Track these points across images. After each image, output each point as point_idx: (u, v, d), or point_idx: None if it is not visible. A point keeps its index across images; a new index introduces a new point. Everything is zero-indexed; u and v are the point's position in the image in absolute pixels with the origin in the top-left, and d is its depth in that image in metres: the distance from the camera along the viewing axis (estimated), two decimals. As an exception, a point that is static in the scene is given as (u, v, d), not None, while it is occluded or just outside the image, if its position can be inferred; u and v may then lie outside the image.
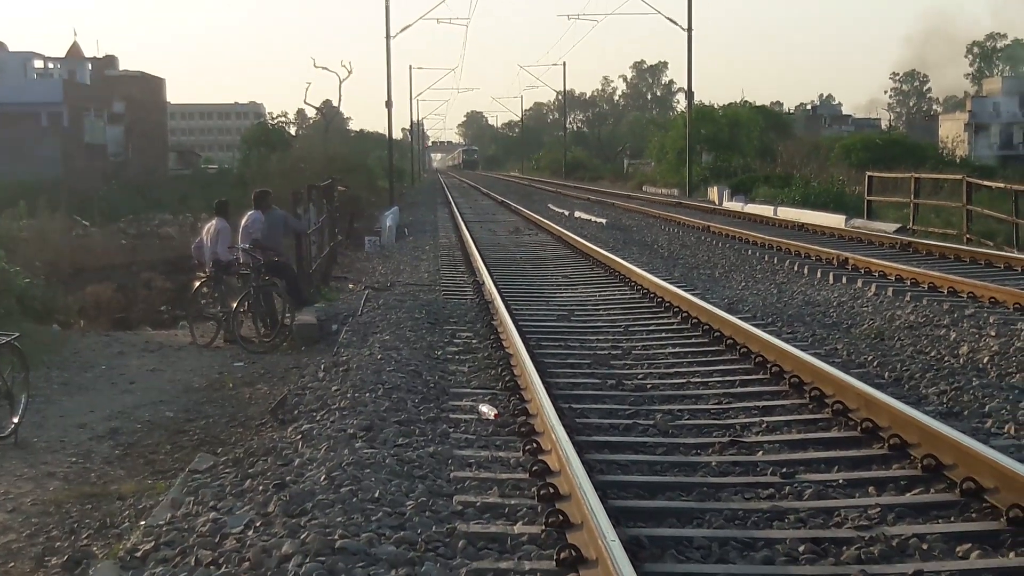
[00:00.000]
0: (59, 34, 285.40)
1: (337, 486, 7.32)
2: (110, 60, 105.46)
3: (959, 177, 30.15)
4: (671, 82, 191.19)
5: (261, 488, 7.57)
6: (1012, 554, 6.16)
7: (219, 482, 8.03)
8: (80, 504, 9.02)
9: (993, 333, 12.49)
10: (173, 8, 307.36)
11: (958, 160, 65.85)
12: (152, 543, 6.68)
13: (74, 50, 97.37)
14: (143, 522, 7.61)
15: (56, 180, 59.24)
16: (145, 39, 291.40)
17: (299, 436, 9.00)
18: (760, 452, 8.25)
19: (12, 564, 7.60)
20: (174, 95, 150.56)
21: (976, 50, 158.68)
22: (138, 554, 6.57)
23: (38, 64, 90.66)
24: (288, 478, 7.69)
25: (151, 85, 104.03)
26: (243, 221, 18.20)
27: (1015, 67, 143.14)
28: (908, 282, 17.12)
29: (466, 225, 33.41)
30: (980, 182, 30.00)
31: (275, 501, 7.13)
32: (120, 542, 7.45)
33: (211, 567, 6.19)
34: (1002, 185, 29.30)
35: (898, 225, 29.27)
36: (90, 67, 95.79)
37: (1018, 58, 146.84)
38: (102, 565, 6.67)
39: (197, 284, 18.38)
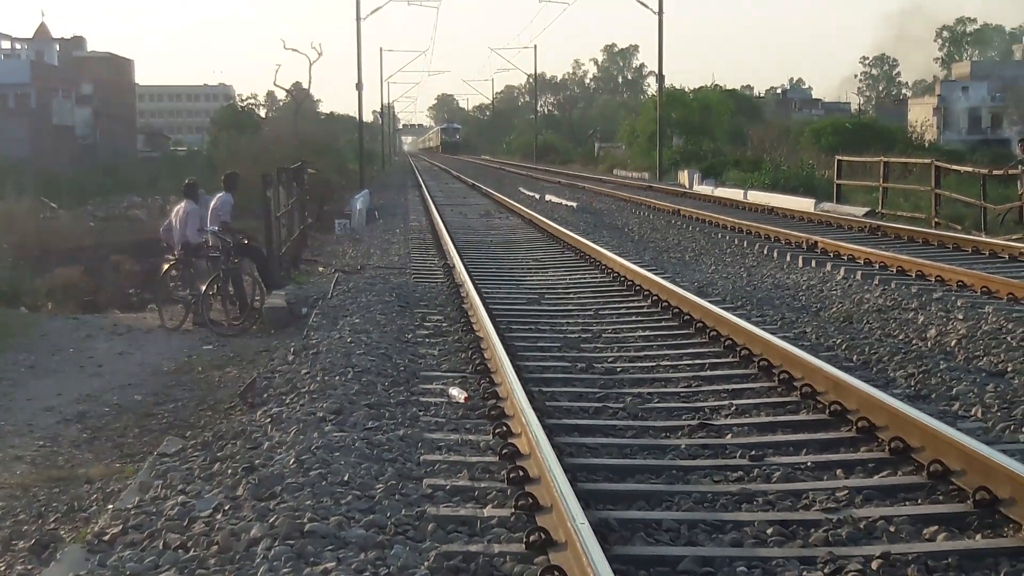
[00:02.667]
0: (27, 15, 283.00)
1: (306, 469, 7.31)
2: (78, 41, 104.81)
3: (928, 161, 30.28)
4: (642, 66, 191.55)
5: (230, 471, 7.55)
6: (978, 536, 6.20)
7: (188, 465, 8.00)
8: (48, 488, 8.98)
9: (960, 316, 12.56)
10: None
11: (927, 144, 66.06)
12: (120, 527, 6.65)
13: (42, 31, 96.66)
14: (111, 506, 7.58)
15: (23, 161, 58.87)
16: (114, 20, 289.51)
17: (268, 419, 8.97)
18: (729, 435, 8.28)
19: (-21, 548, 7.55)
20: (143, 76, 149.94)
21: (945, 34, 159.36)
22: (106, 538, 6.54)
23: (5, 45, 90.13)
24: (257, 461, 7.67)
25: (120, 66, 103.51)
26: (212, 203, 18.11)
27: (984, 51, 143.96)
28: (877, 266, 17.20)
29: (437, 208, 33.35)
30: (948, 166, 30.14)
31: (244, 484, 7.11)
32: (88, 526, 7.43)
33: (179, 551, 6.17)
34: (970, 169, 29.48)
35: (867, 209, 29.38)
36: (58, 48, 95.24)
37: (987, 42, 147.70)
38: (69, 549, 6.64)
39: (166, 267, 18.32)
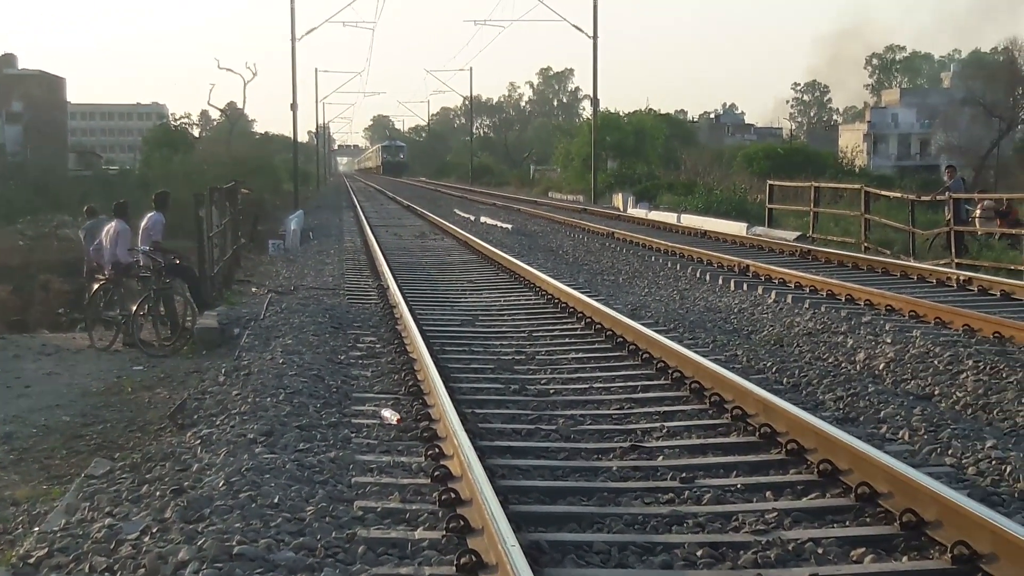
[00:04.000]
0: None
1: (236, 492, 7.25)
2: (9, 58, 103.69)
3: (858, 187, 30.66)
4: (577, 89, 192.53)
5: (158, 494, 7.47)
6: (905, 558, 6.26)
7: (115, 487, 7.91)
8: (-28, 510, 8.82)
9: (889, 340, 12.71)
10: (75, 6, 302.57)
11: (857, 170, 66.98)
12: (46, 549, 6.56)
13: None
14: (37, 528, 7.48)
15: (-49, 179, 58.03)
16: (46, 37, 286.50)
17: (198, 441, 8.90)
18: (660, 457, 8.31)
19: (-100, 572, 7.41)
20: (75, 95, 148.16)
21: (875, 61, 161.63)
22: (31, 560, 6.45)
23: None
24: (186, 483, 7.60)
25: (51, 84, 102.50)
26: (143, 223, 17.96)
27: (913, 79, 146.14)
28: (807, 289, 17.38)
29: (371, 229, 33.27)
30: (878, 192, 30.54)
31: (172, 507, 7.04)
32: (13, 548, 7.31)
33: (106, 574, 6.10)
34: (899, 195, 29.91)
35: (798, 233, 29.68)
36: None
37: (916, 69, 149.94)
38: (-7, 572, 6.54)
39: (96, 287, 18.11)
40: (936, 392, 10.31)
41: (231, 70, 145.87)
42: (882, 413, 9.44)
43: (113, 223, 18.10)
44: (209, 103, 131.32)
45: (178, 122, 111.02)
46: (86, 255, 21.10)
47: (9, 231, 43.78)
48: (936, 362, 11.42)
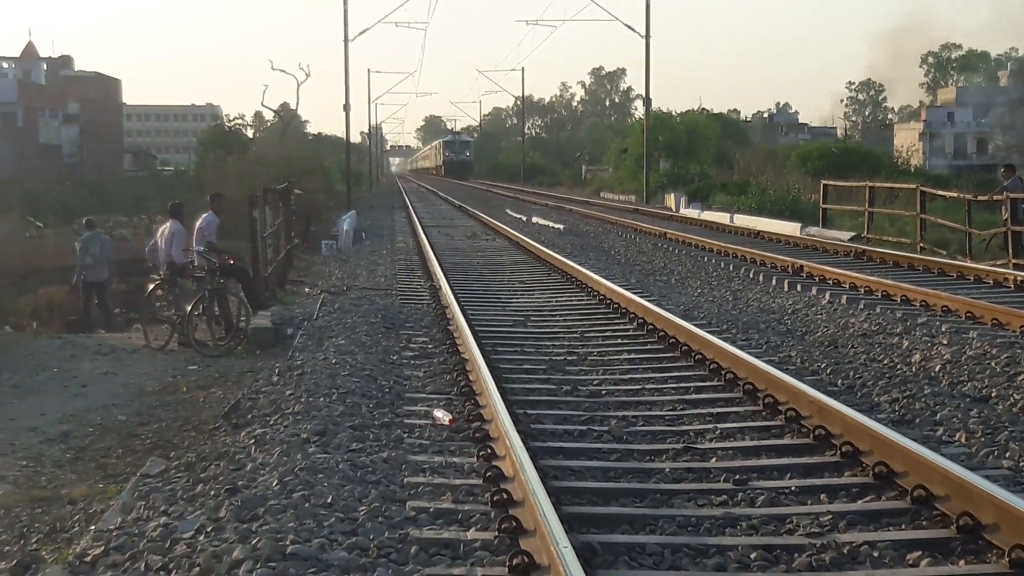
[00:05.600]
0: (14, 33, 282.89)
1: (289, 491, 7.28)
2: (66, 60, 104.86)
3: (913, 186, 30.38)
4: (629, 88, 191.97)
5: (213, 493, 7.52)
6: (962, 562, 6.20)
7: (171, 487, 7.96)
8: (30, 508, 8.93)
9: (945, 342, 12.59)
10: (130, 9, 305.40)
11: (912, 169, 66.47)
12: (102, 548, 6.62)
13: (29, 50, 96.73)
14: (93, 527, 7.54)
15: (9, 180, 58.76)
16: (101, 39, 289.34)
17: (252, 440, 8.95)
18: (713, 459, 8.27)
19: (-41, 569, 7.51)
20: (130, 96, 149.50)
21: (931, 60, 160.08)
22: (87, 559, 6.50)
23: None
24: (240, 483, 7.64)
25: (107, 86, 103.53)
26: (198, 223, 18.11)
27: (969, 77, 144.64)
28: (862, 290, 17.24)
29: (423, 229, 33.35)
30: (934, 191, 30.26)
31: (227, 506, 7.08)
32: (69, 547, 7.38)
33: (161, 572, 6.14)
34: (955, 195, 29.59)
35: (853, 233, 29.45)
36: (45, 67, 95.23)
37: (972, 68, 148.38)
38: (51, 570, 6.61)
39: (151, 287, 18.28)
40: (993, 394, 10.19)
41: (285, 71, 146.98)
42: (938, 415, 9.35)
43: (168, 223, 18.27)
44: (263, 104, 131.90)
45: (232, 123, 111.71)
46: (80, 264, 21.96)
47: (65, 232, 44.22)
48: (993, 364, 11.29)
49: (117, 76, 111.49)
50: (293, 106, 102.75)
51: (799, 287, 18.08)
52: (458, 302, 15.58)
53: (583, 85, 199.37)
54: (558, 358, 12.51)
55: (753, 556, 6.27)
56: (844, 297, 16.49)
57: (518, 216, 42.28)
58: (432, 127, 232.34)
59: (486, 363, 10.84)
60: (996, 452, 8.21)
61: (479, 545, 6.40)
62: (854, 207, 33.24)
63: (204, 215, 18.26)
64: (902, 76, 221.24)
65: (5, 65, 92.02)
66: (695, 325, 13.10)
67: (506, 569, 5.99)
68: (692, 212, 42.60)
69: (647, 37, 54.84)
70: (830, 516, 6.86)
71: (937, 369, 11.29)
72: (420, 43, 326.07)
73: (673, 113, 76.14)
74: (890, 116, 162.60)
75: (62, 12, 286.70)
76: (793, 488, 7.49)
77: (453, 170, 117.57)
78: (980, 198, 27.32)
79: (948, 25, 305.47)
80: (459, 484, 7.56)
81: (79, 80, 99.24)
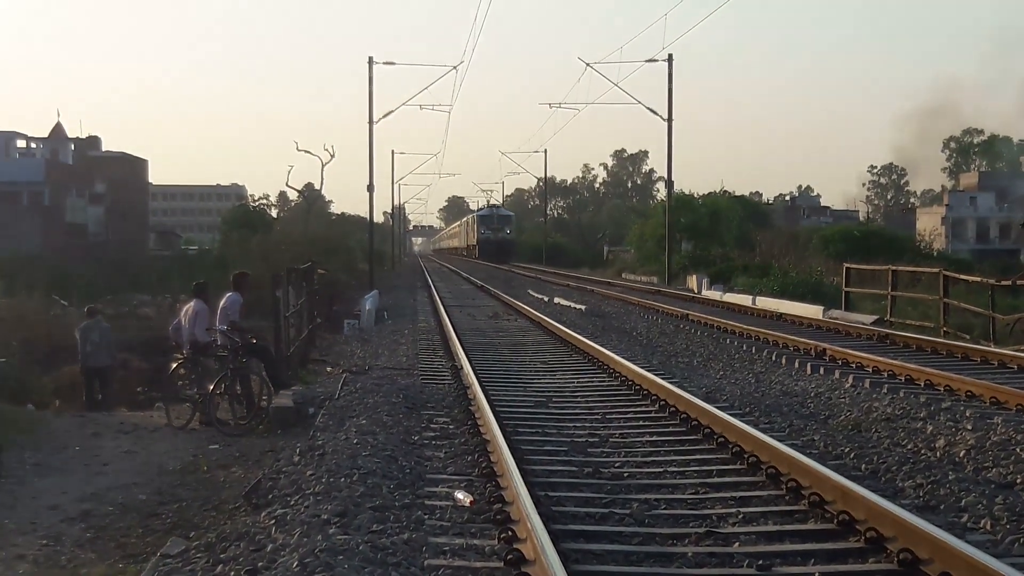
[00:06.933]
0: (42, 114, 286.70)
1: (310, 573, 7.26)
2: (93, 140, 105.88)
3: (936, 270, 30.34)
4: (651, 171, 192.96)
5: (232, 574, 7.50)
6: (988, 651, 6.12)
7: (190, 567, 7.95)
8: (49, 587, 8.91)
9: (969, 427, 12.51)
10: (157, 90, 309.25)
11: (935, 253, 66.54)
12: (121, 629, 6.60)
13: (57, 130, 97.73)
14: (112, 607, 7.51)
15: (35, 258, 59.20)
16: (128, 120, 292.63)
17: (272, 521, 8.93)
18: (736, 543, 8.21)
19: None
20: (156, 176, 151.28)
21: (953, 144, 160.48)
22: (106, 640, 6.48)
23: (20, 144, 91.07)
24: (260, 564, 7.62)
25: (133, 166, 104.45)
26: (221, 303, 18.19)
27: (991, 162, 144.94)
28: (885, 374, 17.17)
29: (445, 309, 33.41)
30: (957, 275, 30.19)
31: (247, 587, 7.06)
32: (88, 627, 7.36)
33: (180, 654, 6.11)
34: (979, 279, 29.51)
35: (875, 317, 29.38)
36: (72, 147, 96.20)
37: (994, 153, 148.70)
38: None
39: (174, 365, 18.33)
40: (1019, 480, 10.09)
41: (310, 152, 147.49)
42: (963, 501, 9.27)
43: (192, 303, 18.37)
44: (287, 184, 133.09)
45: (256, 203, 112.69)
46: (80, 351, 22.39)
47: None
48: (1018, 450, 11.20)
49: (143, 156, 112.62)
50: (317, 186, 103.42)
51: (822, 370, 18.02)
52: (479, 382, 15.58)
53: (605, 167, 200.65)
54: (579, 439, 12.47)
55: (777, 643, 6.20)
56: (867, 381, 16.42)
57: (540, 296, 42.34)
58: (455, 207, 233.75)
59: (507, 444, 10.82)
60: (1022, 539, 8.12)
61: (500, 629, 6.35)
62: (877, 290, 33.20)
63: (228, 294, 18.34)
64: (929, 155, 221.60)
65: (33, 145, 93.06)
66: (717, 408, 13.06)
67: (527, 654, 5.94)
68: (714, 294, 42.59)
69: (669, 120, 55.22)
70: (854, 603, 6.79)
71: (961, 455, 11.20)
72: (444, 125, 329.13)
73: (695, 195, 76.50)
74: (912, 200, 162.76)
75: (90, 93, 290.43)
76: (817, 574, 7.42)
77: (490, 251, 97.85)
78: (1003, 282, 27.27)
79: (980, 109, 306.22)
80: (480, 567, 7.52)
81: (106, 160, 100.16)
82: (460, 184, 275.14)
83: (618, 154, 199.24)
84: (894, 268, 32.36)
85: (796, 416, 13.87)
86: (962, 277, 30.42)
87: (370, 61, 54.78)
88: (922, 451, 11.51)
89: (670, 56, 54.73)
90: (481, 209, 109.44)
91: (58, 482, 13.21)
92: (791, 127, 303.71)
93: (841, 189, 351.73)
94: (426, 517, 8.97)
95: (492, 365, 19.78)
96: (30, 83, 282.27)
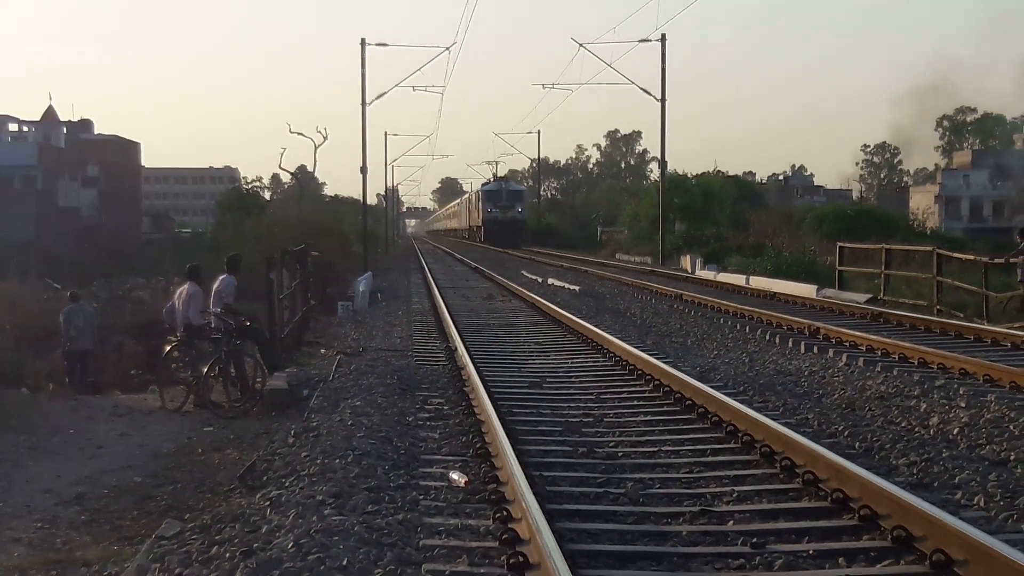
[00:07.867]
0: (34, 98, 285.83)
1: (305, 553, 7.26)
2: (85, 124, 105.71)
3: (929, 249, 30.36)
4: (645, 151, 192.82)
5: (228, 555, 7.50)
6: (982, 627, 6.14)
7: (185, 549, 7.95)
8: (45, 570, 8.92)
9: (963, 404, 12.53)
10: (149, 73, 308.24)
11: (929, 232, 66.46)
12: (116, 610, 6.60)
13: (49, 114, 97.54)
14: (108, 589, 7.52)
15: (28, 242, 59.12)
16: (120, 103, 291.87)
17: (267, 502, 8.94)
18: (731, 522, 8.23)
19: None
20: (149, 159, 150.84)
21: (946, 123, 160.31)
22: (102, 621, 6.49)
23: (12, 127, 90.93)
24: (255, 545, 7.62)
25: (126, 149, 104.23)
26: (215, 285, 18.17)
27: (985, 140, 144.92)
28: (879, 352, 17.19)
29: (439, 291, 33.39)
30: (950, 254, 30.22)
31: (241, 569, 7.07)
32: (84, 609, 7.36)
33: (175, 635, 6.11)
34: (972, 257, 29.53)
35: (869, 296, 29.39)
36: (65, 131, 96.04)
37: (988, 131, 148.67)
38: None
39: (168, 348, 18.32)
40: (1012, 458, 10.12)
41: (302, 134, 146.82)
42: (957, 479, 9.29)
43: (186, 285, 18.35)
44: (280, 166, 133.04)
45: (250, 185, 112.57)
46: (64, 335, 22.60)
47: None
48: (1012, 427, 11.23)
49: (136, 139, 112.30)
50: (310, 168, 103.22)
51: (815, 349, 18.04)
52: (474, 363, 15.58)
53: (599, 147, 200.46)
54: (574, 420, 12.49)
55: (771, 620, 6.22)
56: (861, 359, 16.44)
57: (534, 278, 42.31)
58: (448, 189, 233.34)
59: (502, 424, 10.83)
60: (1015, 516, 8.15)
61: (495, 608, 6.36)
62: (870, 269, 33.22)
63: (222, 277, 18.32)
64: (924, 134, 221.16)
65: (25, 129, 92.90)
66: (711, 387, 13.08)
67: (522, 633, 5.95)
68: (708, 274, 42.57)
69: (663, 100, 55.22)
70: (849, 580, 6.80)
71: (955, 432, 11.22)
72: (437, 106, 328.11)
73: (689, 175, 76.43)
74: (905, 179, 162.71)
75: (82, 76, 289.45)
76: (811, 552, 7.44)
77: (498, 233, 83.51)
78: (996, 260, 27.27)
79: (978, 86, 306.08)
80: (475, 547, 7.53)
81: (98, 143, 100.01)
82: (454, 165, 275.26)
83: (611, 135, 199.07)
84: (887, 247, 32.38)
85: (790, 395, 13.89)
86: (955, 255, 30.45)
87: (362, 43, 54.70)
88: (916, 429, 11.54)
89: (663, 36, 54.79)
90: (487, 183, 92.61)
91: (53, 465, 13.21)
92: (785, 107, 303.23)
93: (835, 169, 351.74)
94: (421, 497, 8.98)
95: (486, 346, 19.78)
96: (21, 66, 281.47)
